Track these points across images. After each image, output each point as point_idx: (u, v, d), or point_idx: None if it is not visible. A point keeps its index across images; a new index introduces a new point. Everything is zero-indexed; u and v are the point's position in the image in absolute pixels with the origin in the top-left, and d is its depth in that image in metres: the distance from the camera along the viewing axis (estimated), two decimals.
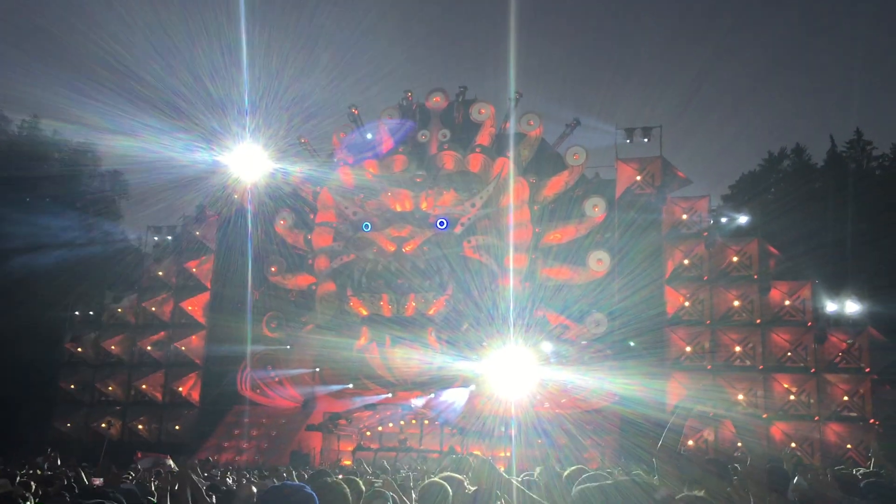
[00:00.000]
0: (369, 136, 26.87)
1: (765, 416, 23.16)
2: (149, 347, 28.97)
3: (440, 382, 24.64)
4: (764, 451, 21.62)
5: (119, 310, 29.47)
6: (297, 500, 2.91)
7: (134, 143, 30.43)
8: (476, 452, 20.81)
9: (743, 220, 25.61)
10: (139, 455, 17.75)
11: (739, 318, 24.35)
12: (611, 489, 3.63)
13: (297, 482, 3.07)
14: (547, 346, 24.22)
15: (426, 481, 5.53)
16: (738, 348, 23.96)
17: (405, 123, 27.09)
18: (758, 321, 24.04)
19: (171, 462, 13.60)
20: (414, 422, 25.16)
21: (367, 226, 25.96)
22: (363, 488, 4.41)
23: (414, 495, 5.78)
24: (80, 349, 29.33)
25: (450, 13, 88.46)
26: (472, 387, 24.23)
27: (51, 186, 32.94)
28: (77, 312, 30.05)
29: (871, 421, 22.38)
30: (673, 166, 26.34)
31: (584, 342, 24.37)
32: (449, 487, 5.13)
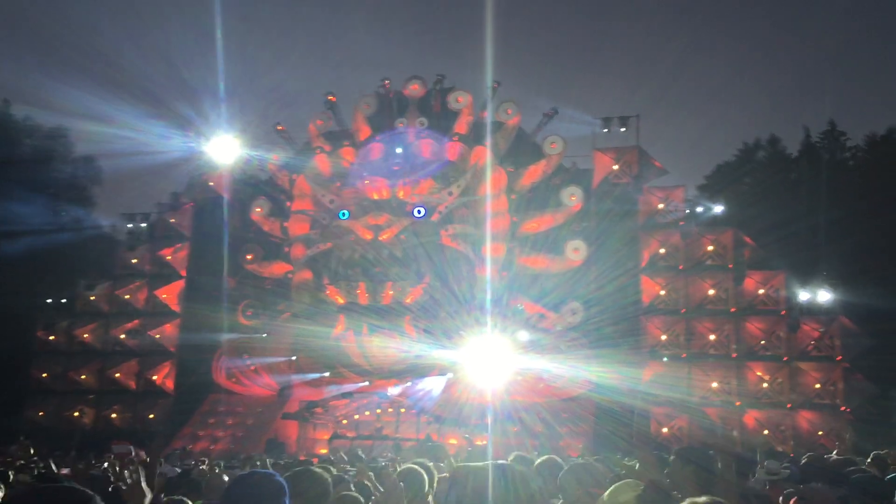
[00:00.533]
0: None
1: (738, 403, 23.41)
2: (122, 336, 28.67)
3: (417, 371, 24.64)
4: (729, 436, 21.89)
5: (92, 297, 29.08)
6: (267, 488, 2.84)
7: (107, 128, 30.10)
8: (453, 441, 20.87)
9: (718, 209, 25.81)
10: (114, 444, 17.60)
11: (714, 307, 24.55)
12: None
13: (268, 470, 2.99)
14: (523, 335, 24.29)
15: (402, 467, 5.52)
16: (712, 337, 24.17)
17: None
18: (732, 310, 24.26)
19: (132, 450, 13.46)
20: (391, 410, 25.13)
21: (343, 214, 25.79)
22: (330, 476, 4.36)
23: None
24: (52, 337, 28.94)
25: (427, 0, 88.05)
26: (449, 375, 24.26)
27: (22, 172, 32.43)
28: (49, 300, 29.66)
29: (843, 409, 22.69)
30: (649, 156, 26.44)
31: (559, 331, 24.47)
32: (424, 473, 5.12)
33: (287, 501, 2.83)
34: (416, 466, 5.24)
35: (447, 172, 25.88)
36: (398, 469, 5.51)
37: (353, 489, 5.28)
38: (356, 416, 25.51)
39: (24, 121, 35.36)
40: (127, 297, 28.82)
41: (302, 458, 17.51)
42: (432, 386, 24.50)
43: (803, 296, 24.09)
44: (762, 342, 23.97)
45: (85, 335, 28.73)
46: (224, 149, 27.38)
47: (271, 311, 26.71)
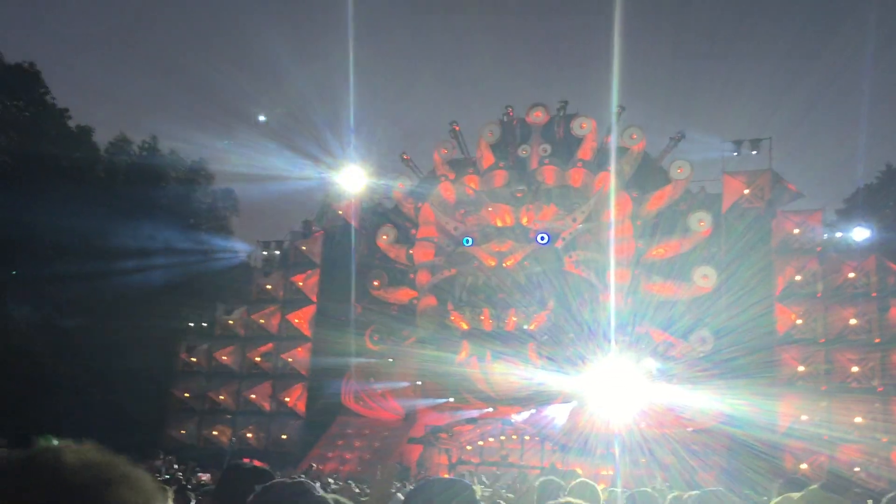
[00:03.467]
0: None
1: (884, 440, 21.97)
2: (257, 358, 29.98)
3: (541, 398, 24.46)
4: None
5: (230, 321, 30.60)
6: (455, 491, 2.71)
7: (244, 161, 31.75)
8: (578, 470, 20.56)
9: (859, 234, 24.48)
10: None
11: (856, 337, 23.23)
12: None
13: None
14: (650, 363, 23.73)
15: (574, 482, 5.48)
16: (855, 368, 22.86)
17: None
18: (877, 340, 22.88)
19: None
20: (515, 437, 25.04)
21: (467, 241, 26.08)
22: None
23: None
24: (193, 359, 30.62)
25: (550, 27, 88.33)
26: (574, 403, 23.97)
27: (167, 203, 34.63)
28: (191, 324, 31.41)
29: None
30: (783, 179, 25.47)
31: (690, 359, 23.75)
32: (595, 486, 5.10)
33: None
34: (587, 480, 5.26)
35: (571, 198, 25.78)
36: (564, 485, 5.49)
37: None
38: (480, 443, 25.56)
39: (170, 155, 37.77)
40: (262, 321, 30.15)
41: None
42: (557, 413, 24.26)
43: None
44: None
45: (223, 357, 30.21)
46: (352, 178, 28.38)
47: (397, 337, 27.22)
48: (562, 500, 3.97)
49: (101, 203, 29.38)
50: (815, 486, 3.27)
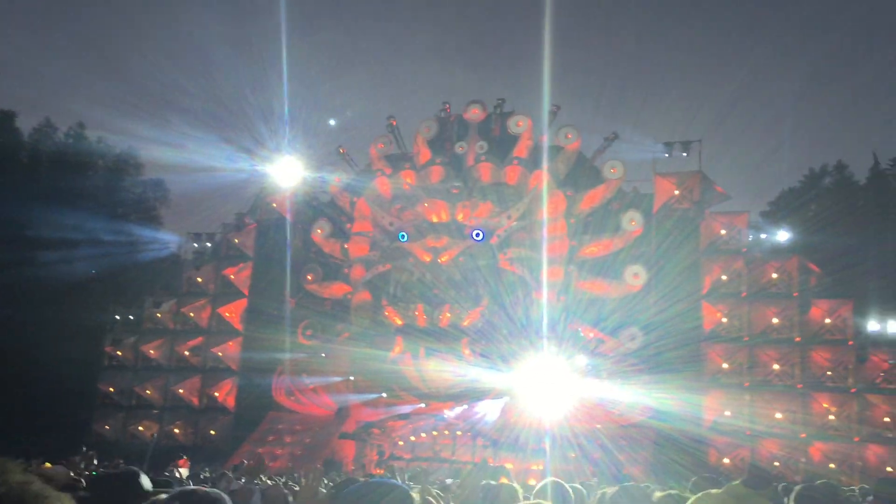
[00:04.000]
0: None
1: (803, 435, 22.78)
2: (186, 353, 29.38)
3: (474, 394, 24.59)
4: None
5: (158, 315, 29.92)
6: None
7: (175, 151, 31.04)
8: (509, 465, 20.74)
9: (783, 236, 25.30)
10: (182, 462, 18.00)
11: (778, 335, 24.03)
12: None
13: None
14: (581, 360, 24.10)
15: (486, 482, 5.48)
16: (776, 366, 23.64)
17: None
18: (797, 339, 23.71)
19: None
20: (447, 433, 25.11)
21: (403, 236, 26.05)
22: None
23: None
24: (120, 353, 29.83)
25: (487, 26, 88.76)
26: (506, 399, 24.17)
27: (94, 192, 33.63)
28: (118, 317, 30.59)
29: None
30: (712, 181, 26.13)
31: (618, 356, 24.19)
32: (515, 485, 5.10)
33: None
34: (506, 480, 5.26)
35: (507, 196, 25.96)
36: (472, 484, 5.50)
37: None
38: (412, 438, 25.56)
39: (97, 143, 36.68)
40: (191, 314, 29.56)
41: (361, 478, 17.61)
42: (489, 409, 24.43)
43: (872, 325, 23.41)
44: (828, 372, 23.35)
45: (151, 351, 29.53)
46: (287, 171, 28.02)
47: (330, 332, 27.03)
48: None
49: (24, 190, 28.35)
50: (736, 482, 3.35)
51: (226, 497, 2.59)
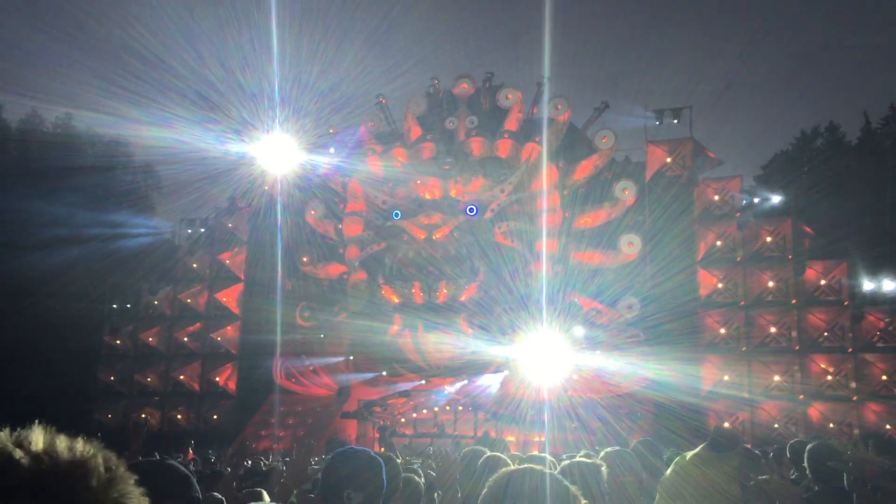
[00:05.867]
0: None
1: (801, 397, 22.95)
2: (185, 338, 29.42)
3: (473, 368, 24.71)
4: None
5: (155, 302, 29.90)
6: (366, 461, 2.87)
7: (166, 135, 30.85)
8: (510, 437, 20.89)
9: (776, 199, 25.30)
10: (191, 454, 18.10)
11: (774, 299, 24.10)
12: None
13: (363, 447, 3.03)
14: (579, 331, 24.18)
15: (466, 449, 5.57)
16: (773, 329, 23.74)
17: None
18: (793, 302, 23.78)
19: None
20: (448, 408, 25.25)
21: (396, 214, 26.01)
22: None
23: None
24: (118, 341, 29.84)
25: None
26: (506, 372, 24.29)
27: (85, 181, 33.46)
28: (114, 305, 30.57)
29: None
30: (704, 147, 26.07)
31: (616, 326, 24.28)
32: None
33: (385, 476, 2.90)
34: (480, 448, 5.33)
35: (499, 170, 25.90)
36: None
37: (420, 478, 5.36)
38: (414, 415, 25.71)
39: (87, 130, 36.44)
40: (188, 300, 29.55)
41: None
42: (489, 383, 24.56)
43: (867, 285, 23.50)
44: (825, 334, 23.45)
45: (149, 338, 29.54)
46: (278, 153, 27.85)
47: (328, 312, 27.08)
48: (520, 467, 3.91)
49: (15, 182, 28.19)
50: (702, 446, 3.37)
51: (179, 465, 2.70)
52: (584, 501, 2.25)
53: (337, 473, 2.77)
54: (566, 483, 2.23)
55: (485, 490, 2.26)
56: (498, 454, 4.96)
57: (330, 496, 2.74)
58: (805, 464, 4.84)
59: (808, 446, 4.96)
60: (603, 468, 4.49)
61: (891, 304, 23.19)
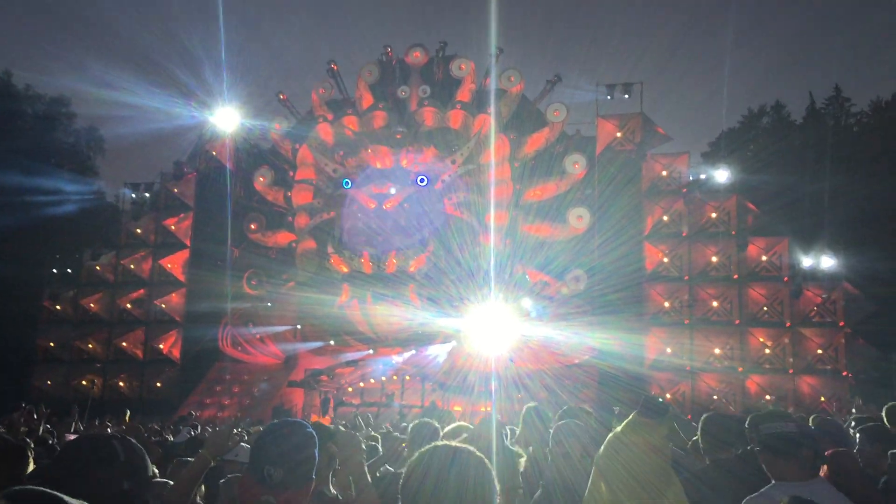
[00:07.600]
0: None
1: (740, 369, 23.58)
2: (128, 305, 28.87)
3: (421, 339, 24.78)
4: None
5: (97, 267, 29.21)
6: (299, 436, 2.83)
7: (109, 97, 30.00)
8: (457, 408, 21.07)
9: (722, 176, 25.73)
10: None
11: (717, 273, 24.63)
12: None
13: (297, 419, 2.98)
14: (527, 303, 24.39)
15: (414, 422, 5.61)
16: (715, 303, 24.29)
17: None
18: (735, 277, 24.33)
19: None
20: (395, 378, 25.32)
21: (347, 183, 25.77)
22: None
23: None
24: (58, 307, 29.14)
25: None
26: (453, 343, 24.41)
27: (24, 142, 32.38)
28: (55, 270, 29.79)
29: (844, 374, 22.85)
30: (653, 123, 26.33)
31: (563, 298, 24.54)
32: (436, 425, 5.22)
33: (317, 451, 2.87)
34: (428, 420, 5.36)
35: (451, 140, 25.80)
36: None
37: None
38: (361, 384, 25.75)
39: (26, 90, 35.21)
40: (132, 266, 28.99)
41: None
42: (436, 353, 24.67)
43: (806, 262, 24.14)
44: (765, 308, 24.09)
45: (91, 304, 28.92)
46: (227, 118, 27.31)
47: (276, 281, 26.80)
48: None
49: None
50: (633, 413, 3.43)
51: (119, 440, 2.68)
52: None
53: (262, 449, 2.74)
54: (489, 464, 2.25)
55: (407, 470, 2.26)
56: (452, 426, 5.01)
57: (254, 471, 2.70)
58: (699, 435, 4.92)
59: (703, 416, 5.04)
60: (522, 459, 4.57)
61: (828, 280, 23.87)
